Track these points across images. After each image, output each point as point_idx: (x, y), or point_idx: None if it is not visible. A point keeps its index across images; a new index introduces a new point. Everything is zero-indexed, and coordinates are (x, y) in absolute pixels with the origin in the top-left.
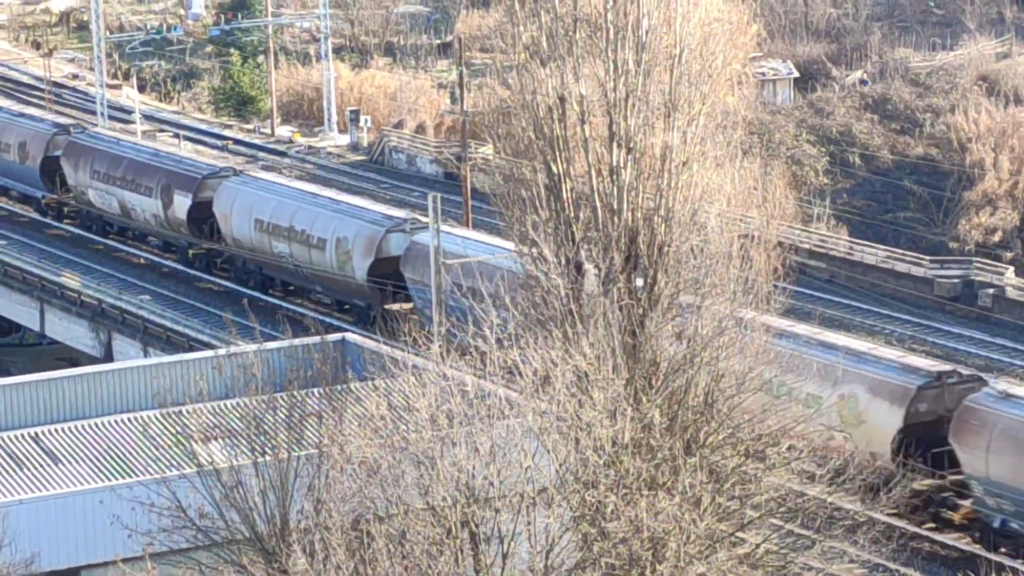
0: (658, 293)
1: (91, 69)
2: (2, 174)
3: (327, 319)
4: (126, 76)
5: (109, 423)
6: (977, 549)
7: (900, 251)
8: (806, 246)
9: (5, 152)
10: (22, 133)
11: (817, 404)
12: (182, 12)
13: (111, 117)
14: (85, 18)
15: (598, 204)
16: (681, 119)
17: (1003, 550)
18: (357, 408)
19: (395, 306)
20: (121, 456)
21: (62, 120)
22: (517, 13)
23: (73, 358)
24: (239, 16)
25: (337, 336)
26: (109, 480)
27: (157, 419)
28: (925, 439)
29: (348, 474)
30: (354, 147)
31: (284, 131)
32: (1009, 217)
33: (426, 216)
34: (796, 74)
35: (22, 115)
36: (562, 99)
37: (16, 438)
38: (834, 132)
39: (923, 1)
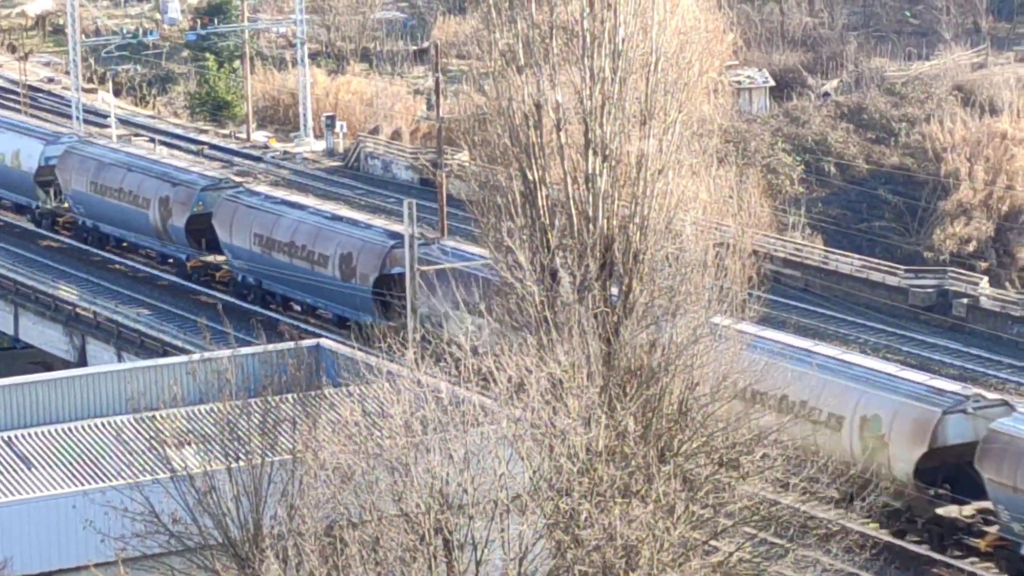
0: (633, 301)
1: (67, 73)
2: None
3: (302, 325)
4: (102, 80)
5: (82, 428)
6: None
7: (875, 260)
8: (781, 255)
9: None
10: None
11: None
12: (158, 16)
13: (86, 121)
14: (61, 22)
15: (573, 211)
16: (657, 127)
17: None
18: (331, 414)
19: None
20: (94, 461)
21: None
22: (493, 20)
23: (47, 362)
24: (215, 21)
25: (311, 342)
26: (82, 485)
27: (130, 424)
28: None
29: (322, 480)
30: (330, 153)
31: (260, 136)
32: (984, 227)
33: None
34: (772, 83)
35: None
36: (538, 106)
37: None
38: (809, 141)
39: (899, 11)
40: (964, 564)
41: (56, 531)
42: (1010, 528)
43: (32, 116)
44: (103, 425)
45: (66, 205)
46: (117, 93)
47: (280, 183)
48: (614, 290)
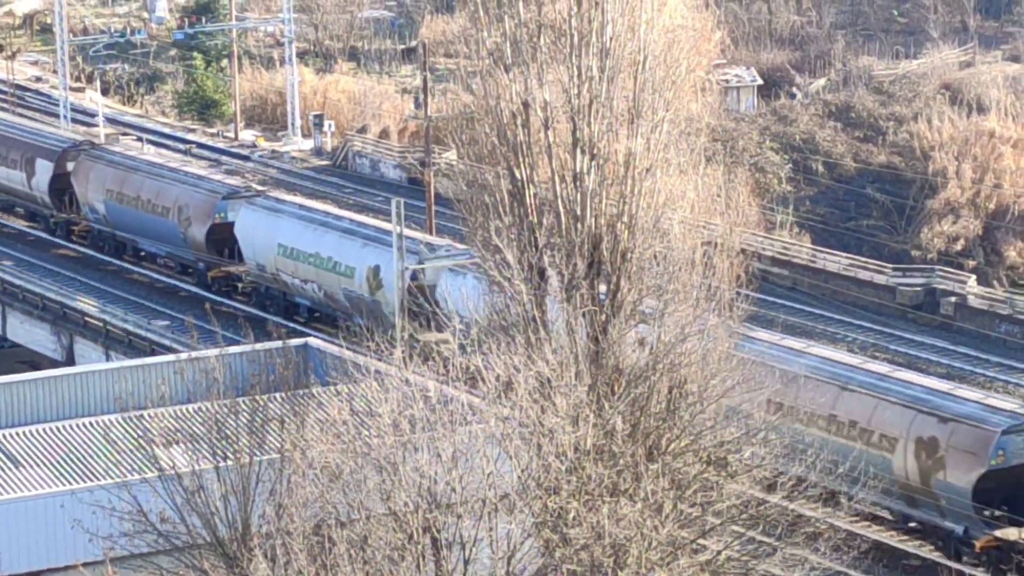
0: (621, 300)
1: (55, 72)
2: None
3: (290, 324)
4: (89, 79)
5: (70, 427)
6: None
7: (863, 259)
8: (769, 253)
9: None
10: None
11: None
12: (146, 15)
13: (74, 120)
14: (49, 21)
15: (561, 210)
16: (645, 126)
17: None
18: (319, 413)
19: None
20: (82, 460)
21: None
22: (481, 18)
23: (34, 361)
24: (203, 20)
25: (300, 341)
26: (70, 484)
27: (119, 423)
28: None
29: (310, 479)
30: (318, 152)
31: (248, 135)
32: (971, 226)
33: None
34: (760, 81)
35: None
36: (526, 105)
37: None
38: (797, 139)
39: (887, 9)
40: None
41: (44, 530)
42: None
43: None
44: (91, 424)
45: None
46: (105, 92)
47: (298, 190)
48: (602, 289)
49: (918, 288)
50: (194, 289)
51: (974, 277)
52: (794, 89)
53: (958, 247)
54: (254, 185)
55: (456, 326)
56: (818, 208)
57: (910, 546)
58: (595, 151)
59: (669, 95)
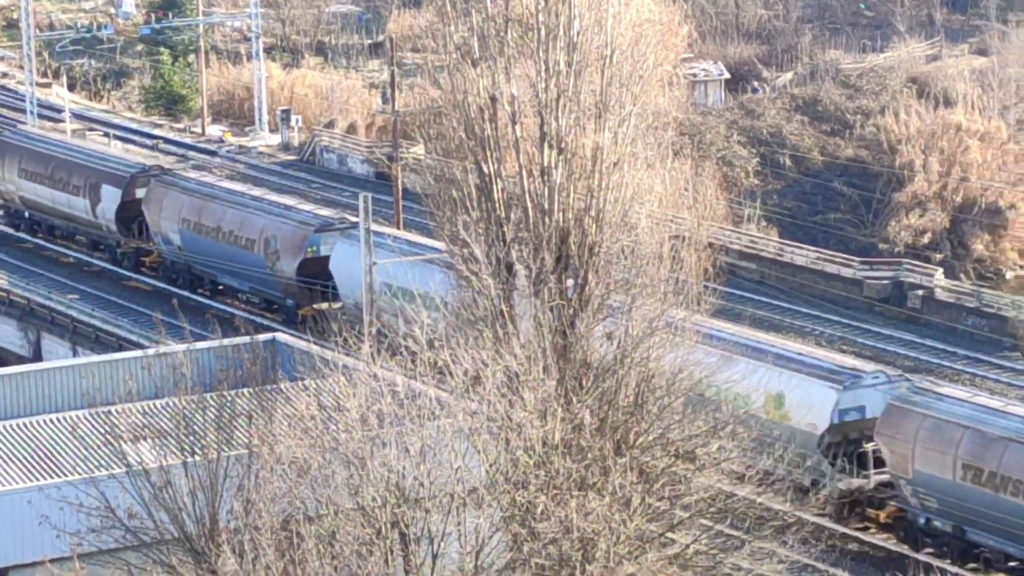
0: (589, 294)
1: (21, 67)
2: None
3: (257, 319)
4: (56, 75)
5: (38, 423)
6: (905, 549)
7: (830, 252)
8: (736, 247)
9: None
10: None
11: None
12: (112, 11)
13: (41, 116)
14: (15, 16)
15: (529, 204)
16: (612, 120)
17: (928, 549)
18: (287, 408)
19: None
20: (49, 456)
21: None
22: (448, 13)
23: (1, 357)
24: (170, 15)
25: (267, 336)
26: (37, 480)
27: (86, 419)
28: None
29: (278, 474)
30: (285, 147)
31: (215, 130)
32: (938, 219)
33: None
34: (727, 75)
35: None
36: (493, 99)
37: None
38: (765, 133)
39: (853, 3)
40: (865, 536)
41: (11, 527)
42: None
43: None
44: (58, 420)
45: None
46: (71, 88)
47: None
48: (570, 283)
49: (885, 281)
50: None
51: (941, 270)
52: (755, 84)
53: (925, 240)
54: (348, 216)
55: (424, 320)
56: (785, 202)
57: (877, 538)
58: (563, 145)
59: (636, 89)
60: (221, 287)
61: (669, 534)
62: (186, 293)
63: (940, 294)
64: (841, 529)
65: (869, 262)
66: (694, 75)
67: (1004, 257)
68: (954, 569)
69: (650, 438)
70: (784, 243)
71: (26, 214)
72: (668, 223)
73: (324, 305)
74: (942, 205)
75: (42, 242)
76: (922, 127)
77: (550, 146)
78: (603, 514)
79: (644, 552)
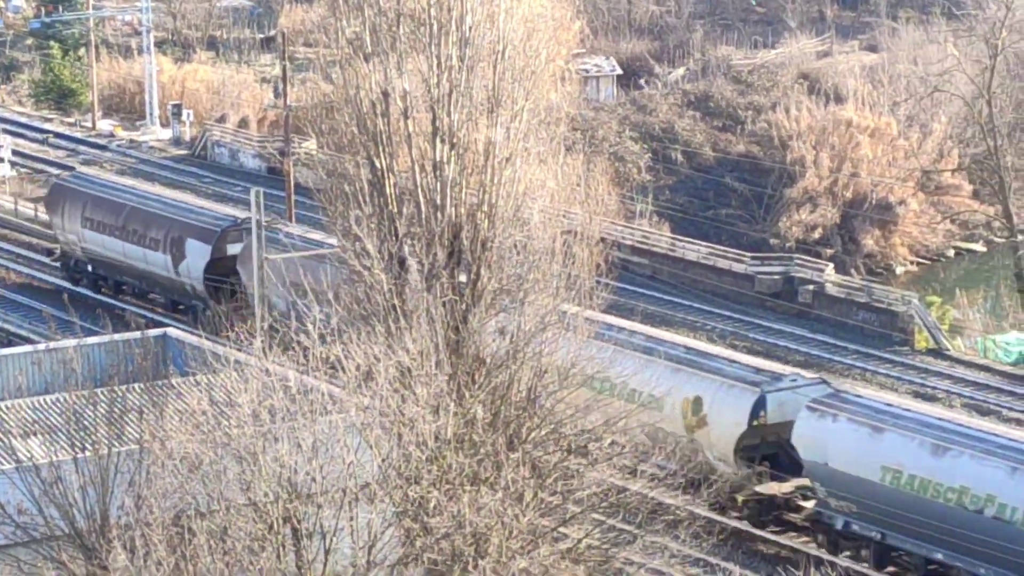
0: (481, 289)
1: None
2: None
3: (149, 315)
4: None
5: None
6: (822, 552)
7: (721, 248)
8: (629, 242)
9: None
10: None
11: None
12: (2, 4)
13: None
14: None
15: (421, 199)
16: (504, 115)
17: (846, 553)
18: (178, 403)
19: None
20: None
21: None
22: (340, 7)
23: None
24: (60, 8)
25: (158, 331)
26: None
27: None
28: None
29: (169, 470)
30: (176, 141)
31: (105, 125)
32: (829, 214)
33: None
34: (619, 71)
35: None
36: (385, 94)
37: None
38: (657, 129)
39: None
40: (783, 539)
41: None
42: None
43: None
44: None
45: None
46: None
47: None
48: (462, 278)
49: (776, 276)
50: None
51: (832, 265)
52: (642, 82)
53: (816, 236)
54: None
55: (316, 315)
56: (677, 197)
57: (769, 533)
58: (455, 140)
59: (529, 84)
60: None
61: (562, 529)
62: None
63: (830, 289)
64: (733, 524)
65: (760, 257)
66: (586, 71)
67: (894, 252)
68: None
69: (543, 433)
70: (676, 238)
71: (89, 267)
72: (560, 218)
73: None
74: (833, 201)
75: (109, 300)
76: (813, 123)
77: (442, 141)
78: (496, 509)
79: (536, 547)
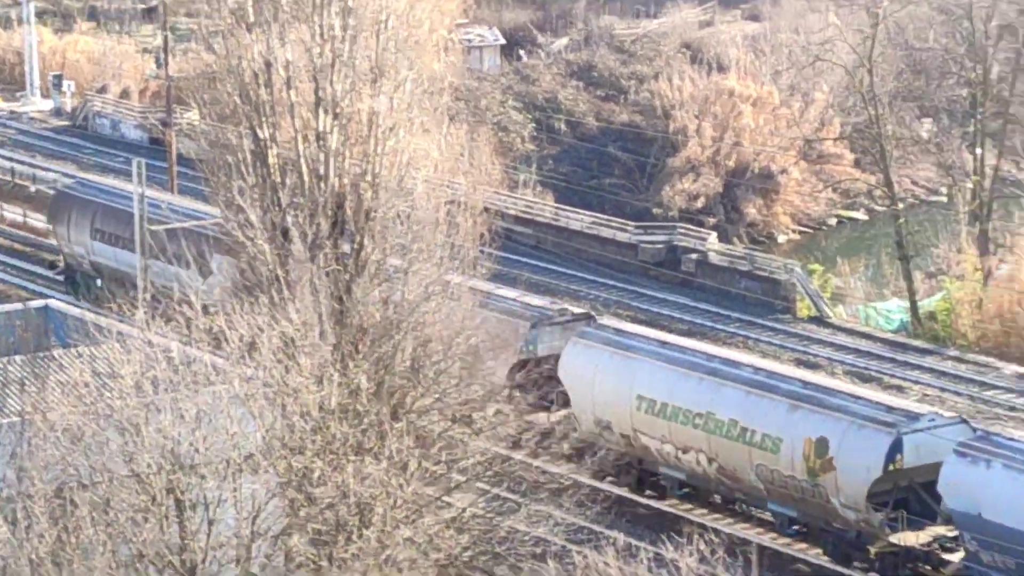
0: (365, 259)
1: None
2: None
3: (30, 286)
4: None
5: None
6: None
7: (605, 217)
8: (512, 212)
9: None
10: None
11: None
12: None
13: None
14: None
15: (305, 170)
16: (388, 85)
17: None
18: (60, 375)
19: None
20: None
21: None
22: None
23: None
24: None
25: (40, 303)
26: None
27: None
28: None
29: (51, 442)
30: (57, 112)
31: None
32: (712, 183)
33: None
34: (502, 41)
35: None
36: (268, 64)
37: None
38: (540, 99)
39: None
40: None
41: None
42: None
43: None
44: None
45: None
46: None
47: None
48: (346, 248)
49: (660, 245)
50: None
51: (715, 234)
52: (521, 52)
53: (699, 205)
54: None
55: (199, 286)
56: (561, 167)
57: (666, 505)
58: (338, 110)
59: (412, 54)
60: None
61: (446, 498)
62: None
63: (713, 258)
64: (617, 491)
65: (644, 227)
66: (469, 41)
67: (776, 221)
68: None
69: (427, 402)
70: (560, 208)
71: (98, 283)
72: (444, 188)
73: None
74: (715, 170)
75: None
76: (695, 93)
77: (325, 111)
78: (380, 479)
79: (421, 516)
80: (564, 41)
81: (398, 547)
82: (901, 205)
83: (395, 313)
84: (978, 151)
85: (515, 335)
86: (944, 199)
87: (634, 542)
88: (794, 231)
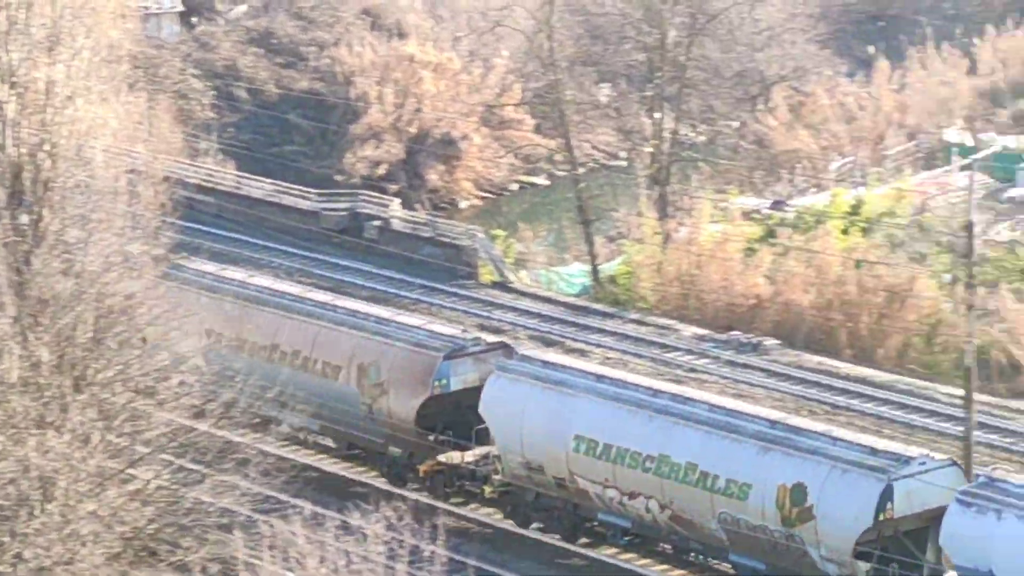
0: (44, 229)
1: None
2: None
3: None
4: None
5: None
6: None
7: (287, 185)
8: (194, 181)
9: None
10: None
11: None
12: None
13: None
14: None
15: None
16: (65, 53)
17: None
18: None
19: None
20: None
21: None
22: None
23: None
24: None
25: None
26: None
27: None
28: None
29: None
30: None
31: None
32: (394, 150)
33: None
34: (181, 8)
35: None
36: None
37: None
38: (219, 66)
39: None
40: (467, 511)
41: None
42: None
43: None
44: None
45: None
46: None
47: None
48: (24, 219)
49: (342, 213)
50: None
51: (397, 201)
52: (194, 20)
53: (381, 172)
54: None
55: None
56: (242, 135)
57: (353, 473)
58: (14, 79)
59: (89, 21)
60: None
61: (130, 470)
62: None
63: (397, 225)
64: (303, 460)
65: (326, 194)
66: (146, 8)
67: (458, 187)
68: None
69: (110, 374)
70: (241, 176)
71: None
72: (123, 157)
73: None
74: (397, 136)
75: None
76: (376, 59)
77: (2, 80)
78: (62, 452)
79: (104, 489)
80: (243, 8)
81: (82, 521)
82: (582, 170)
83: (76, 284)
84: (656, 115)
85: (427, 370)
86: (624, 163)
87: (320, 510)
88: (476, 197)
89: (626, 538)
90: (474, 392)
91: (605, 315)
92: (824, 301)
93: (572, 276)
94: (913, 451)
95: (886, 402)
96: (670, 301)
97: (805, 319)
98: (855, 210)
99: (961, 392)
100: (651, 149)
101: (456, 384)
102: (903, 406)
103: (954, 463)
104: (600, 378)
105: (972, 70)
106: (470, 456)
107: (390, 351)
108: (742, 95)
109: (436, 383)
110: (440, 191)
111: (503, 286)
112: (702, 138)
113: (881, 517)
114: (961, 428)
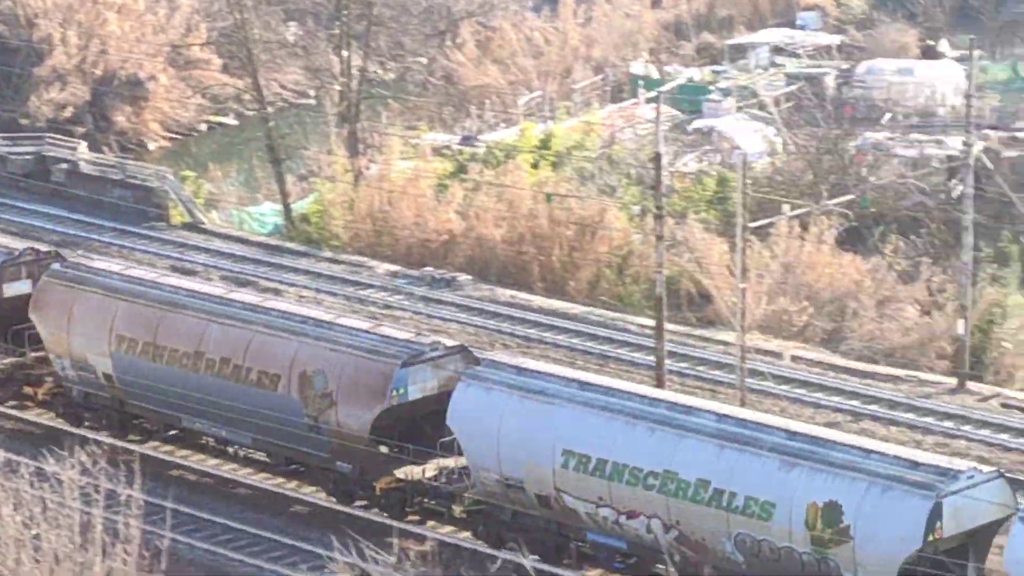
0: None
1: None
2: None
3: None
4: None
5: None
6: (61, 423)
7: None
8: None
9: None
10: None
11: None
12: None
13: None
14: None
15: None
16: None
17: (88, 423)
18: None
19: None
20: None
21: None
22: None
23: None
24: None
25: None
26: None
27: None
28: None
29: None
30: None
31: None
32: (80, 92)
33: None
34: None
35: None
36: None
37: None
38: None
39: None
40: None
41: None
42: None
43: None
44: None
45: None
46: None
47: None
48: None
49: (28, 156)
50: None
51: (85, 144)
52: None
53: (67, 114)
54: None
55: None
56: None
57: (33, 415)
58: None
59: None
60: None
61: None
62: None
63: (84, 167)
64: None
65: (11, 137)
66: None
67: (147, 129)
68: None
69: None
70: None
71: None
72: None
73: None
74: (83, 79)
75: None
76: (59, 1)
77: None
78: None
79: None
80: None
81: None
82: (271, 109)
83: None
84: (344, 53)
85: (383, 378)
86: (313, 102)
87: (14, 457)
88: (165, 138)
89: (621, 561)
90: (432, 400)
91: (298, 254)
92: (516, 235)
93: (264, 216)
94: (958, 463)
95: (579, 334)
96: (363, 238)
97: (497, 254)
98: (544, 144)
99: (652, 322)
100: (340, 87)
101: (415, 393)
102: (596, 337)
103: (1000, 475)
104: (585, 385)
105: (656, 3)
106: (430, 470)
107: (338, 358)
108: (430, 31)
109: (394, 392)
110: (128, 133)
111: (194, 227)
112: (391, 75)
113: (930, 538)
114: (652, 358)
